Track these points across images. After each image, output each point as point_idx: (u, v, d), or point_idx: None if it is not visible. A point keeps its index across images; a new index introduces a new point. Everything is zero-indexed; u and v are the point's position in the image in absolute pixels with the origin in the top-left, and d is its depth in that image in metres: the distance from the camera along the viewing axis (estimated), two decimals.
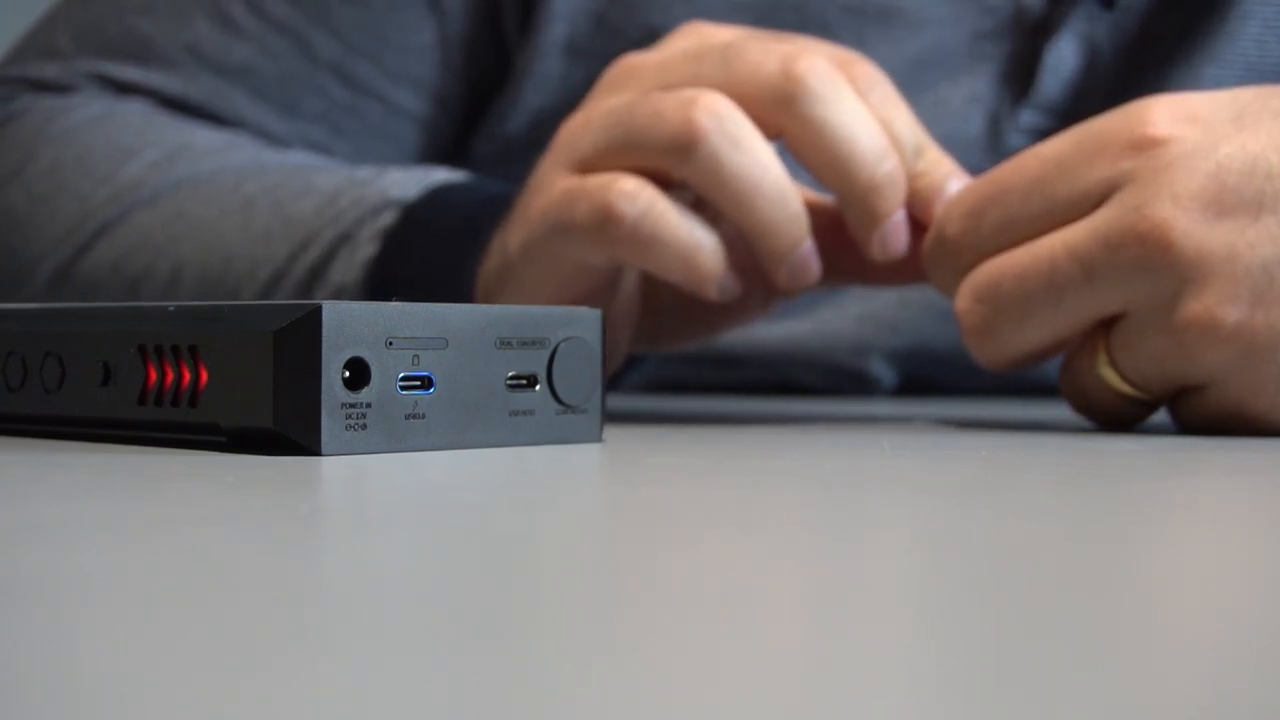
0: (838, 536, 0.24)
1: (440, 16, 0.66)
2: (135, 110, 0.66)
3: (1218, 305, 0.39)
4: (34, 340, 0.38)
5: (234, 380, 0.33)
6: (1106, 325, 0.42)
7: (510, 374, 0.36)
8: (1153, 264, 0.40)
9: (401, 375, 0.34)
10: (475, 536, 0.23)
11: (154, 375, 0.35)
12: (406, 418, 0.34)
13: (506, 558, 0.21)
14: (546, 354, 0.36)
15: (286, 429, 0.32)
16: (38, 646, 0.15)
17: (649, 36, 0.63)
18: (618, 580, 0.20)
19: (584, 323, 0.37)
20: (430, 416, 0.34)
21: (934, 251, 0.45)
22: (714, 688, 0.14)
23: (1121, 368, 0.42)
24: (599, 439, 0.38)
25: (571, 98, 0.65)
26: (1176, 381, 0.42)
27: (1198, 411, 0.43)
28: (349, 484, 0.29)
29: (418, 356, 0.34)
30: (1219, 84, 0.61)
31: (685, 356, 0.66)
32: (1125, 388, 0.42)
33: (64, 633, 0.15)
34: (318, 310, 0.32)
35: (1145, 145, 0.40)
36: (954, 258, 0.44)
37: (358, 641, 0.15)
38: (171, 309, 0.35)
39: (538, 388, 0.36)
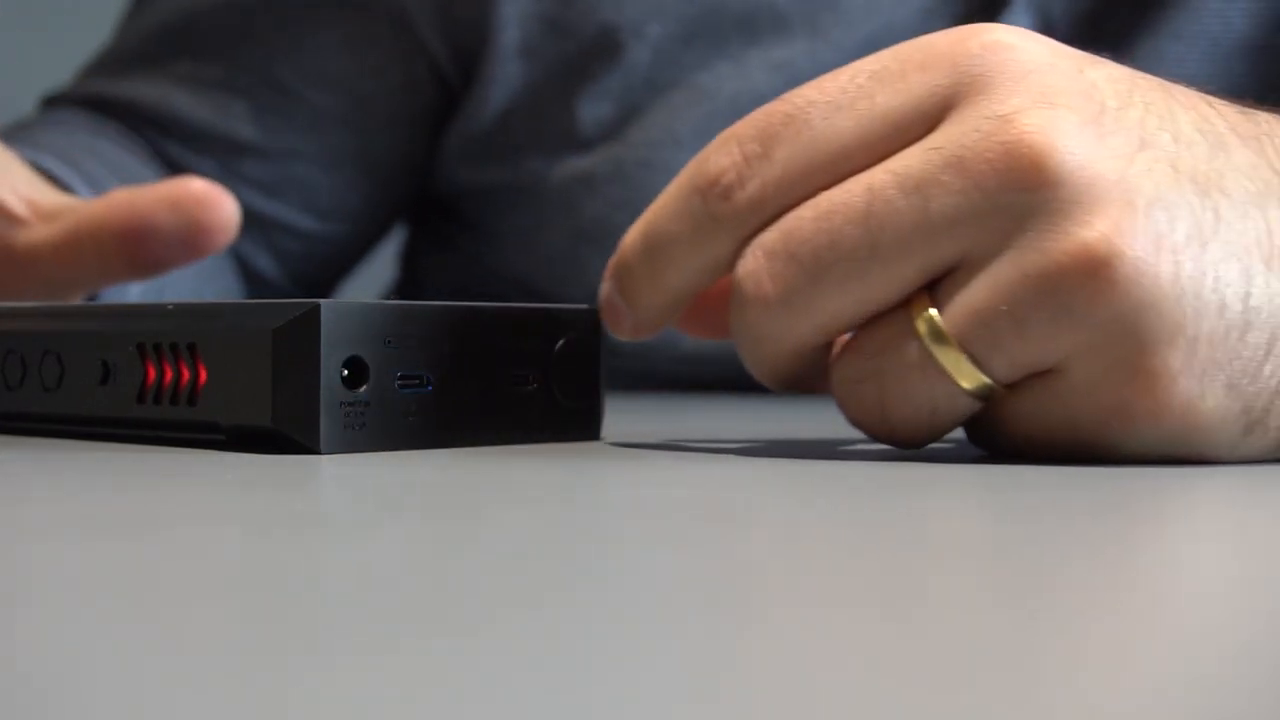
0: (838, 536, 0.24)
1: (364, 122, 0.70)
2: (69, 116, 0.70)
3: (1115, 235, 0.29)
4: (33, 338, 0.38)
5: (233, 378, 0.33)
6: (928, 286, 0.31)
7: (510, 374, 0.36)
8: (1024, 184, 0.29)
9: (400, 374, 0.34)
10: (475, 536, 0.23)
11: (153, 373, 0.35)
12: (406, 417, 0.34)
13: (506, 557, 0.21)
14: (547, 354, 0.36)
15: (285, 427, 0.32)
16: (36, 646, 0.15)
17: (603, 34, 0.64)
18: (617, 580, 0.19)
19: (584, 323, 0.37)
20: (429, 416, 0.34)
21: (700, 213, 0.33)
22: (714, 687, 0.14)
23: (959, 335, 0.30)
24: (599, 439, 0.38)
25: (531, 97, 0.66)
26: (1031, 356, 0.30)
27: (1037, 411, 0.31)
28: (348, 483, 0.29)
29: (417, 355, 0.34)
30: (1183, 61, 0.60)
31: (685, 355, 0.66)
32: (956, 366, 0.31)
33: (62, 632, 0.15)
34: (316, 309, 0.32)
35: (998, 49, 0.31)
36: (731, 212, 0.32)
37: (357, 641, 0.15)
38: (170, 307, 0.35)
39: (538, 387, 0.36)
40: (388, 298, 0.78)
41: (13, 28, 1.54)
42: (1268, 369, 0.31)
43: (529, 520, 0.25)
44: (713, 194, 0.32)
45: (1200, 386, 0.30)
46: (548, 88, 0.66)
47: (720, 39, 0.63)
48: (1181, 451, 0.31)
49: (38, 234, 0.51)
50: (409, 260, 0.77)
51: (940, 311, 0.30)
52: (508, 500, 0.27)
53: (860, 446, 0.38)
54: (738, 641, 0.16)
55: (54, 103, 0.71)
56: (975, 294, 0.30)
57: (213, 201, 0.49)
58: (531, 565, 0.20)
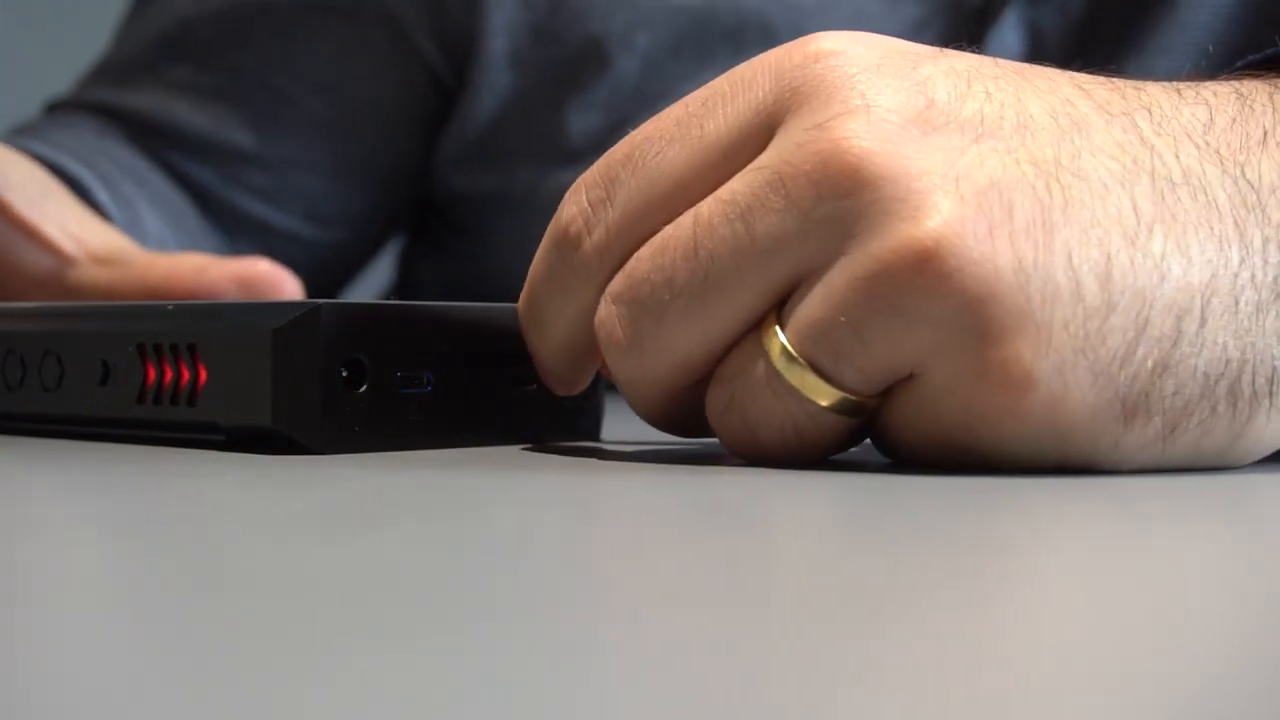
0: (837, 536, 0.24)
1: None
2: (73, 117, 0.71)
3: (943, 227, 0.28)
4: (33, 339, 0.38)
5: (233, 379, 0.33)
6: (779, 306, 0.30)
7: (510, 374, 0.36)
8: (842, 191, 0.28)
9: (400, 374, 0.34)
10: (474, 537, 0.23)
11: (153, 374, 0.35)
12: (405, 417, 0.34)
13: (505, 558, 0.21)
14: None
15: (285, 428, 0.32)
16: (36, 645, 0.15)
17: (591, 44, 0.64)
18: (617, 580, 0.19)
19: None
20: (429, 416, 0.34)
21: (560, 267, 0.33)
22: (712, 687, 0.14)
23: (803, 351, 0.29)
24: (599, 438, 0.38)
25: (521, 104, 0.66)
26: (880, 364, 0.29)
27: (909, 419, 0.30)
28: (348, 484, 0.29)
29: (417, 356, 0.34)
30: (1175, 77, 0.60)
31: None
32: (804, 384, 0.30)
33: (62, 631, 0.15)
34: (316, 309, 0.32)
35: (820, 57, 0.30)
36: (583, 261, 0.32)
37: (357, 641, 0.15)
38: (170, 308, 0.35)
39: (538, 387, 0.36)
40: (387, 299, 0.78)
41: (13, 29, 1.54)
42: (1140, 351, 0.29)
43: (528, 520, 0.25)
44: (567, 246, 0.32)
45: (1061, 378, 0.28)
46: (537, 97, 0.66)
47: (708, 50, 0.63)
48: (1062, 451, 0.29)
49: (87, 275, 0.52)
50: (406, 263, 0.78)
51: (786, 330, 0.30)
52: (507, 500, 0.27)
53: (861, 450, 0.38)
54: (735, 641, 0.16)
55: (56, 109, 0.71)
56: (813, 308, 0.29)
57: (277, 281, 0.50)
58: (531, 565, 0.20)
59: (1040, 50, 0.61)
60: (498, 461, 0.33)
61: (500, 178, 0.68)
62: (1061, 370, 0.28)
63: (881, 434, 0.31)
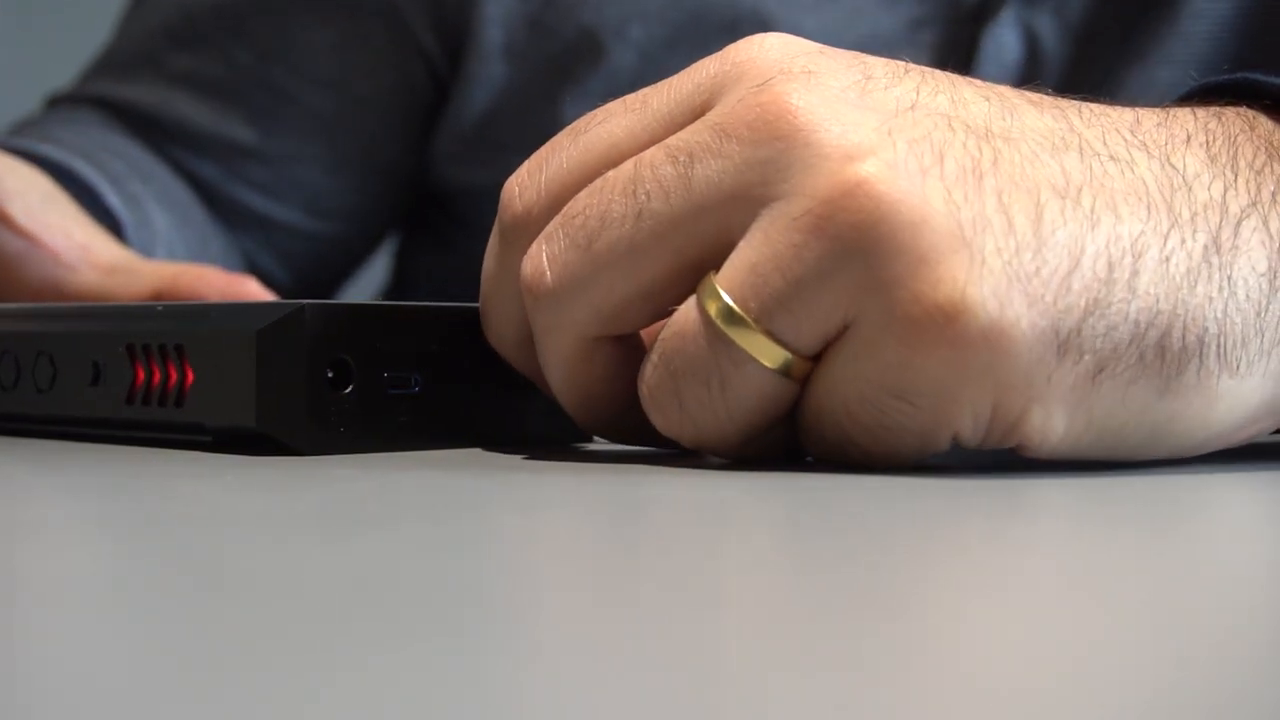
0: (833, 537, 0.24)
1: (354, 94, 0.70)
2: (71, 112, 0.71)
3: (875, 167, 0.28)
4: (27, 340, 0.38)
5: (218, 380, 0.33)
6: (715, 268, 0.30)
7: (500, 373, 0.36)
8: (779, 135, 0.29)
9: (388, 374, 0.34)
10: (473, 536, 0.23)
11: (141, 374, 0.35)
12: (394, 418, 0.34)
13: (503, 558, 0.21)
14: None
15: (270, 429, 0.32)
16: (32, 646, 0.15)
17: (584, 36, 0.64)
18: (615, 580, 0.19)
19: None
20: (417, 416, 0.34)
21: (498, 244, 0.34)
22: (709, 688, 0.14)
23: (741, 298, 0.29)
24: (592, 439, 0.38)
25: (515, 97, 0.66)
26: (819, 310, 0.29)
27: (847, 374, 0.30)
28: (345, 484, 0.29)
29: (404, 356, 0.34)
30: (1178, 87, 0.60)
31: None
32: (747, 341, 0.30)
33: (58, 632, 0.15)
34: (300, 310, 0.32)
35: (765, 43, 0.32)
36: (511, 223, 0.33)
37: (356, 641, 0.15)
38: (159, 308, 0.35)
39: (528, 386, 0.36)
40: (385, 298, 0.78)
41: (12, 28, 1.54)
42: (1076, 285, 0.29)
43: (525, 521, 0.25)
44: (502, 213, 0.33)
45: (997, 301, 0.28)
46: (532, 89, 0.66)
47: (704, 43, 0.63)
48: (998, 384, 0.29)
49: (87, 279, 0.53)
50: (402, 260, 0.78)
51: (723, 282, 0.30)
52: (504, 501, 0.27)
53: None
54: (732, 643, 0.16)
55: (57, 103, 0.72)
56: (749, 252, 0.29)
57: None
58: (528, 566, 0.20)
59: (1037, 54, 0.61)
60: (492, 462, 0.33)
61: (496, 171, 0.68)
62: (997, 294, 0.28)
63: (812, 410, 0.31)
